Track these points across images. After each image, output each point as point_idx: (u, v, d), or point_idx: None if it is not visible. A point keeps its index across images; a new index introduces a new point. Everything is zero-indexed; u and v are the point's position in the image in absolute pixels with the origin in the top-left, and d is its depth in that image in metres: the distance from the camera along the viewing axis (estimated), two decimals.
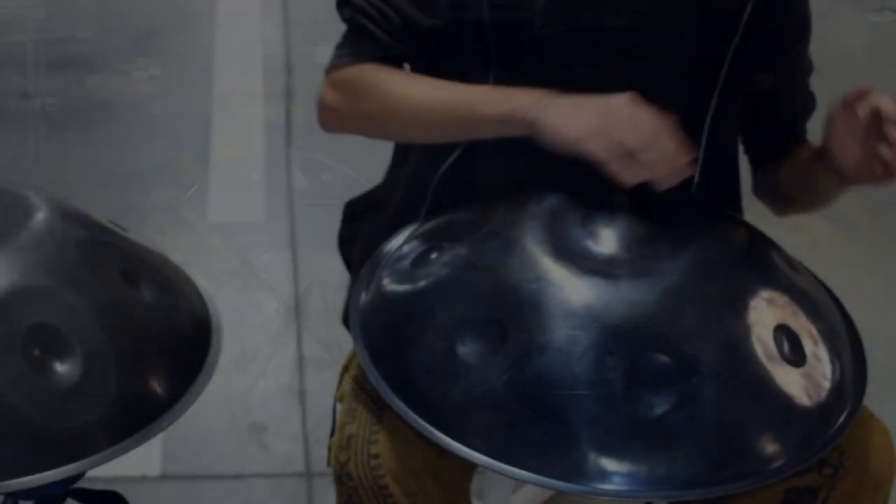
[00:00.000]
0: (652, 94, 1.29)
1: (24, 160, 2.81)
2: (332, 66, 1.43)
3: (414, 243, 1.36)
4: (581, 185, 1.32)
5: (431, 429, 1.19)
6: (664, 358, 1.16)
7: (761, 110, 1.47)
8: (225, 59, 3.32)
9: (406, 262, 1.33)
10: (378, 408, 1.28)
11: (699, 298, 1.21)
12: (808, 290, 1.31)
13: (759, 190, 1.55)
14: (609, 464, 1.14)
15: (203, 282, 1.41)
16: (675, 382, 1.16)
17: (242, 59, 3.33)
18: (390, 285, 1.32)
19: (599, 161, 1.24)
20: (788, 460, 1.17)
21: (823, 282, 1.42)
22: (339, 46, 1.43)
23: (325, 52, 1.45)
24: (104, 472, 1.98)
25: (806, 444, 1.19)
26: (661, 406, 1.15)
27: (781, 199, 1.54)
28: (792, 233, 2.62)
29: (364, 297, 1.35)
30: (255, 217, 2.65)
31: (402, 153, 1.52)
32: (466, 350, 1.20)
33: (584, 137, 1.24)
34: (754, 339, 1.20)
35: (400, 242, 1.39)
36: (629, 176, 1.24)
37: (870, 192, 2.81)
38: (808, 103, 1.50)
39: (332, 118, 1.44)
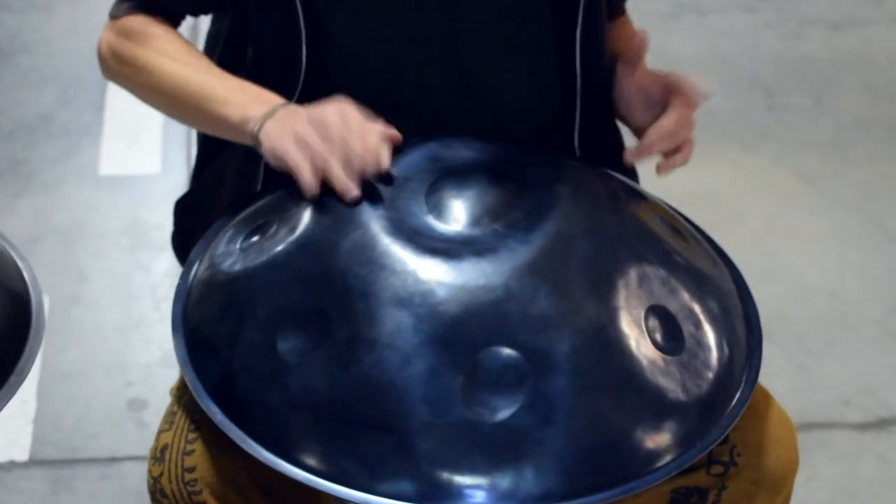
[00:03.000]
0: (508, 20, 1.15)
1: None
2: (113, 13, 1.30)
3: (245, 221, 1.19)
4: (430, 150, 1.15)
5: (246, 438, 1.03)
6: (511, 352, 1.00)
7: None
8: None
9: (235, 244, 1.16)
10: (197, 413, 1.11)
11: (556, 279, 1.04)
12: (694, 261, 1.14)
13: None
14: (446, 478, 0.98)
15: (26, 261, 1.23)
16: (524, 380, 0.99)
17: None
18: (214, 269, 1.15)
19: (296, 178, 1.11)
20: (657, 469, 1.01)
21: (718, 245, 1.24)
22: None
23: None
24: None
25: (682, 445, 1.03)
26: (506, 409, 0.98)
27: None
28: (724, 165, 2.47)
29: (189, 284, 1.18)
30: (151, 169, 2.45)
31: (217, 144, 1.32)
32: (287, 346, 1.04)
33: (282, 157, 1.11)
34: (621, 326, 1.03)
35: (232, 221, 1.21)
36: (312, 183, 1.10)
37: (811, 127, 2.65)
38: None
39: (107, 70, 1.30)
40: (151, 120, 2.59)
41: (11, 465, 1.83)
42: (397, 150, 1.16)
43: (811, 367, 2.03)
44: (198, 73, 1.21)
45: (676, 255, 1.12)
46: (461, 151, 1.15)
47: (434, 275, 1.03)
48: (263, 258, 1.11)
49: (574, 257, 1.06)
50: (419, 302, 1.02)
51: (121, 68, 1.27)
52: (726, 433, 1.05)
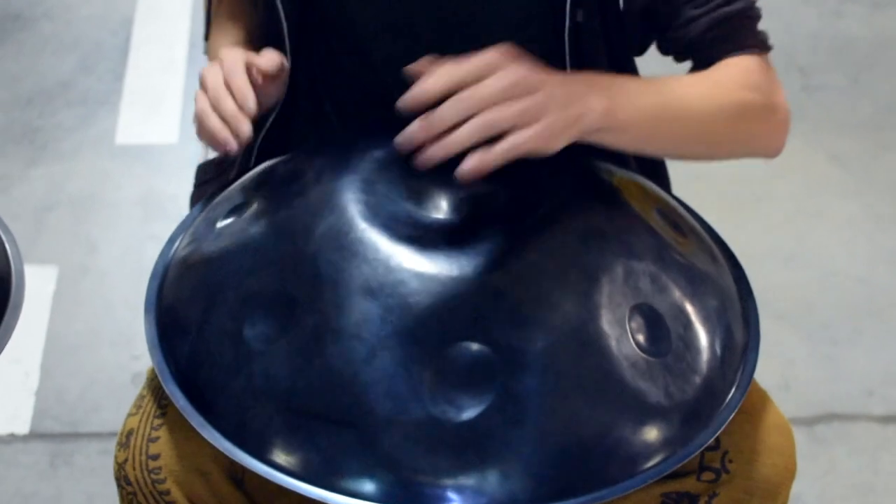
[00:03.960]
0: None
1: None
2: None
3: (227, 200, 1.15)
4: None
5: (207, 426, 0.99)
6: (482, 348, 0.95)
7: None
8: None
9: (213, 223, 1.12)
10: (164, 398, 1.08)
11: (535, 272, 0.99)
12: (690, 258, 1.08)
13: None
14: (407, 477, 0.93)
15: (10, 233, 1.19)
16: (494, 379, 0.94)
17: None
18: (191, 248, 1.12)
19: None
20: (634, 476, 0.95)
21: (723, 241, 1.17)
22: None
23: None
24: None
25: (662, 452, 0.97)
26: (473, 408, 0.93)
27: None
28: None
29: (168, 261, 1.15)
30: (168, 139, 2.42)
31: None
32: (253, 332, 1.00)
33: None
34: (602, 324, 0.98)
35: (215, 199, 1.18)
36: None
37: (847, 108, 2.55)
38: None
39: None
40: (171, 89, 2.56)
41: (11, 438, 1.81)
42: (381, 134, 1.11)
43: (835, 356, 1.95)
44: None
45: (670, 251, 1.06)
46: None
47: (407, 264, 0.98)
48: (238, 239, 1.07)
49: (556, 250, 1.01)
50: (389, 292, 0.97)
51: None
52: (710, 441, 0.99)
